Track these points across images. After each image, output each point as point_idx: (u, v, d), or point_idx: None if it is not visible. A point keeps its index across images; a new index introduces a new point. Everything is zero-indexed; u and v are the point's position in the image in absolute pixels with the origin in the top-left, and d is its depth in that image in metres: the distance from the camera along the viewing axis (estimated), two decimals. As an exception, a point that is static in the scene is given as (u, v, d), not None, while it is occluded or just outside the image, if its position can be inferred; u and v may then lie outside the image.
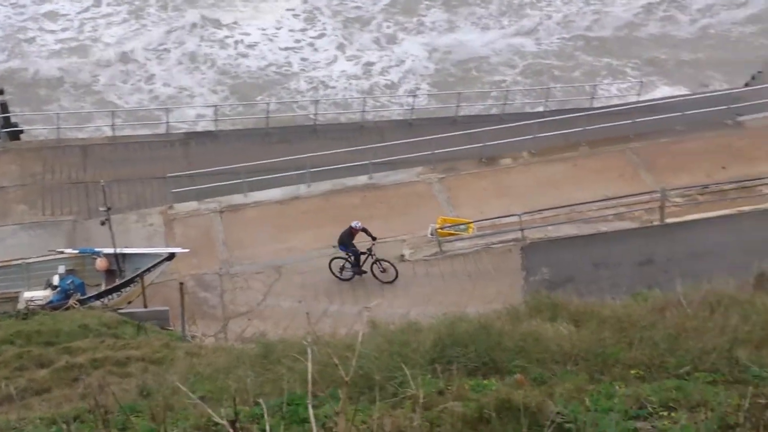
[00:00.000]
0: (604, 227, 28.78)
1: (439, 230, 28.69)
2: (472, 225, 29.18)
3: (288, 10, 49.64)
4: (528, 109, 39.05)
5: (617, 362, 11.26)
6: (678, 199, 30.01)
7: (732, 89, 38.97)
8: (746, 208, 28.93)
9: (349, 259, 27.91)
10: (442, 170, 32.84)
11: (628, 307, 14.85)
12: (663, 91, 42.41)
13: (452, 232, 29.08)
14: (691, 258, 25.63)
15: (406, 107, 39.52)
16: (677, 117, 34.43)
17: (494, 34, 47.42)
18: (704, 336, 11.55)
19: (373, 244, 27.74)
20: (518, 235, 28.44)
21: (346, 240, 27.62)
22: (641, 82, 41.28)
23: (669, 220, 28.73)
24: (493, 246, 28.43)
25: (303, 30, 48.16)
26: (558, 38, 47.16)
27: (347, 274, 28.06)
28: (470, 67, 45.20)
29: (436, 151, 32.69)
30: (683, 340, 11.55)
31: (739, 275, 19.63)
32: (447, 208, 30.97)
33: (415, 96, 39.61)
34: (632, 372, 10.73)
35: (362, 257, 27.79)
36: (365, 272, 27.90)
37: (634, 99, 39.20)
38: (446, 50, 46.32)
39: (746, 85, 40.15)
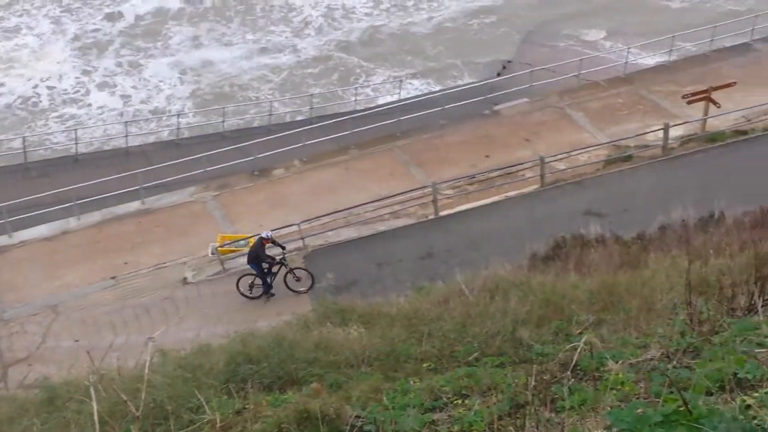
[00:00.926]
0: (382, 227, 29.25)
1: (220, 248, 28.29)
2: (252, 239, 28.94)
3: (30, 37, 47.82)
4: (293, 118, 39.20)
5: (409, 358, 11.46)
6: (449, 192, 30.93)
7: (486, 80, 40.65)
8: (512, 194, 30.18)
9: (259, 275, 26.46)
10: (215, 187, 32.45)
11: (413, 303, 15.18)
12: (417, 87, 43.57)
13: (233, 248, 28.73)
14: (468, 247, 26.46)
15: (171, 128, 38.80)
16: (438, 112, 35.56)
17: (241, 50, 47.27)
18: (488, 321, 11.95)
19: (284, 254, 26.67)
20: (299, 243, 28.45)
21: (261, 252, 26.06)
22: (400, 80, 42.35)
23: (443, 213, 29.55)
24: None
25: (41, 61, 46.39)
26: (310, 48, 47.58)
27: (258, 290, 26.56)
28: (225, 84, 44.81)
29: (207, 169, 32.31)
30: (469, 327, 11.90)
31: (512, 258, 20.56)
32: (225, 225, 30.62)
33: (178, 116, 38.87)
34: (424, 365, 10.93)
35: (275, 268, 26.40)
36: (272, 288, 26.57)
37: (395, 98, 40.19)
38: (197, 70, 45.69)
39: (498, 75, 42.03)
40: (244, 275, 26.75)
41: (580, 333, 10.46)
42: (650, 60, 41.25)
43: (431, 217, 29.35)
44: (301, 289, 26.55)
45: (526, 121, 35.57)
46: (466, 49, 46.58)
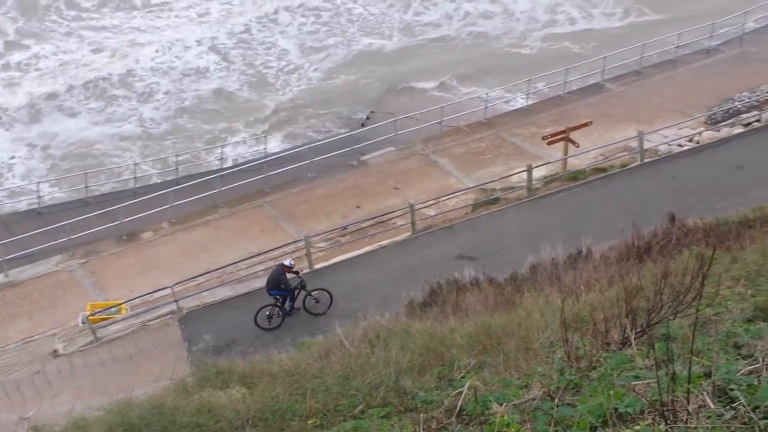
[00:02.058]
0: (257, 283, 28.96)
1: (91, 317, 27.50)
2: (124, 306, 28.28)
3: None
4: (159, 180, 38.60)
5: (294, 415, 11.34)
6: (322, 244, 30.93)
7: (351, 132, 41.02)
8: (385, 242, 30.37)
9: (277, 304, 26.35)
10: (82, 255, 31.63)
11: (295, 359, 15.05)
12: (282, 142, 43.53)
13: (104, 316, 27.99)
14: (346, 298, 26.44)
15: (32, 197, 37.59)
16: (306, 165, 35.65)
17: (85, 120, 46.36)
18: (370, 372, 11.93)
19: (302, 278, 26.62)
20: (174, 307, 27.91)
21: (283, 280, 26.06)
22: (265, 136, 42.25)
23: (317, 266, 29.48)
24: (150, 323, 27.68)
25: None
26: (163, 109, 47.11)
27: (277, 320, 26.37)
28: (81, 153, 43.75)
29: (72, 237, 31.48)
30: (352, 380, 11.86)
31: (390, 307, 20.64)
32: (94, 292, 29.81)
33: (38, 183, 37.69)
34: (310, 422, 10.84)
35: (295, 293, 26.42)
36: (298, 309, 26.56)
37: (261, 154, 40.08)
38: (44, 142, 44.43)
39: (363, 125, 42.45)
40: (261, 309, 26.37)
41: (463, 377, 10.55)
42: (509, 104, 42.42)
43: (306, 270, 29.23)
44: (321, 310, 26.49)
45: (394, 169, 36.01)
46: (328, 102, 46.93)
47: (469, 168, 35.57)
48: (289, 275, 26.49)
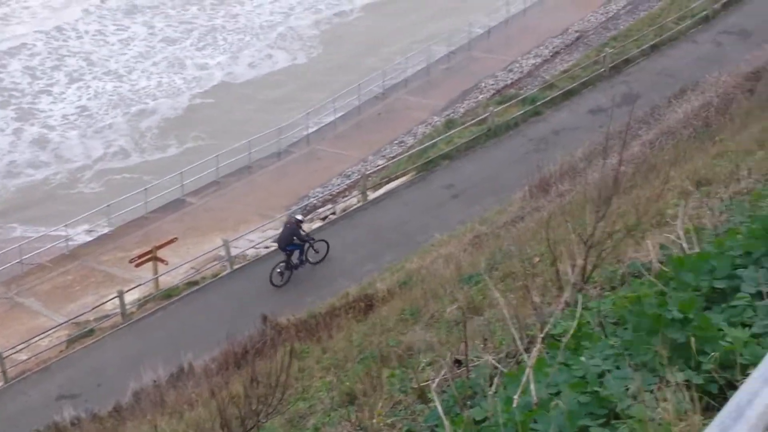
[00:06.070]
0: None
1: None
2: None
3: None
4: None
5: None
6: None
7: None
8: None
9: (289, 260, 29.04)
10: None
11: None
12: None
13: None
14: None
15: None
16: None
17: None
18: None
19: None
20: None
21: (298, 234, 28.87)
22: None
23: None
24: None
25: None
26: None
27: (287, 275, 29.27)
28: None
29: None
30: None
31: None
32: None
33: None
34: None
35: (305, 246, 29.45)
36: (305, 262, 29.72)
37: None
38: None
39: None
40: (274, 268, 29.15)
41: None
42: (90, 233, 41.10)
43: None
44: (319, 259, 30.20)
45: (-27, 319, 33.61)
46: None
47: (59, 304, 34.02)
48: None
